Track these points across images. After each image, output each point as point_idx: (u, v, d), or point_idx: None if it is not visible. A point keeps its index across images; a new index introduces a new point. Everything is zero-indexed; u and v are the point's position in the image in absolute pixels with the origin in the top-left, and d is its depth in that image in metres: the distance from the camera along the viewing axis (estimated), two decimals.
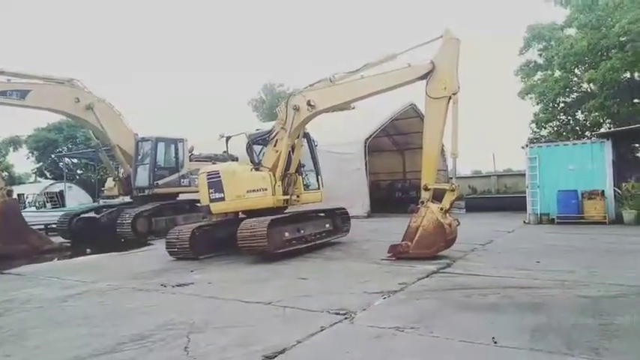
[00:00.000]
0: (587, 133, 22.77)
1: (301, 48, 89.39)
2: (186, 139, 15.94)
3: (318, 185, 11.32)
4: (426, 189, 8.48)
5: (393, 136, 23.82)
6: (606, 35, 19.63)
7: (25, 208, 24.33)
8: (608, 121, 22.72)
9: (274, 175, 9.91)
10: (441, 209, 8.26)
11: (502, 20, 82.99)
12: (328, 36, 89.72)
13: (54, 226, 15.80)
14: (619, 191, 13.76)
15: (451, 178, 9.25)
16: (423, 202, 8.44)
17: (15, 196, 13.56)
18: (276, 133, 10.21)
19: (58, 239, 14.10)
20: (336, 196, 13.83)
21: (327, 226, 11.18)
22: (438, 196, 8.53)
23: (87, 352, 4.31)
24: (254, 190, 9.80)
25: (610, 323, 4.56)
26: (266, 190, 9.77)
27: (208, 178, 10.21)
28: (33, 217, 17.59)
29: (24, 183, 41.27)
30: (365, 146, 18.62)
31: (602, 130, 21.39)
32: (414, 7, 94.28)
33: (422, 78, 8.70)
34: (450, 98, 8.37)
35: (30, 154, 44.21)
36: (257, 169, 10.05)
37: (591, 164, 14.21)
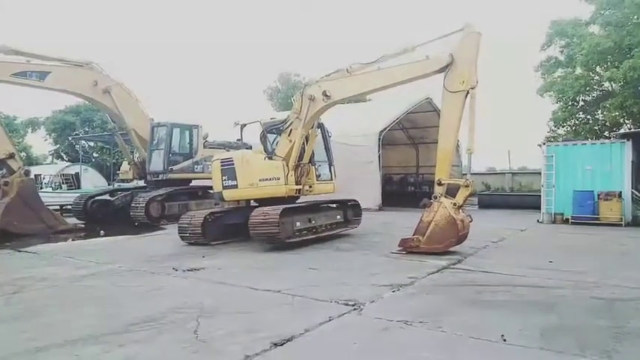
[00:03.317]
0: (607, 133, 22.31)
1: (318, 38, 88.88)
2: (201, 125, 16.04)
3: (331, 176, 11.31)
4: (440, 184, 8.40)
5: (408, 129, 23.61)
6: (631, 33, 19.11)
7: (41, 188, 24.74)
8: (628, 121, 22.22)
9: (287, 165, 9.92)
10: (454, 205, 8.19)
11: (524, 15, 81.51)
12: (346, 27, 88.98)
13: (69, 207, 16.08)
14: (637, 193, 13.50)
15: (465, 174, 9.15)
16: (436, 197, 8.37)
17: (32, 176, 13.79)
18: (291, 123, 10.19)
19: (72, 220, 14.35)
20: (348, 188, 13.79)
21: (339, 217, 11.18)
22: (451, 191, 8.46)
23: (99, 331, 4.40)
24: (267, 179, 9.84)
25: (623, 326, 4.49)
26: (279, 179, 9.80)
27: (222, 165, 10.27)
28: (49, 197, 17.93)
29: (41, 164, 41.91)
30: (379, 139, 18.51)
31: (622, 130, 20.92)
32: (436, 2, 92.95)
33: (440, 71, 8.58)
34: (467, 93, 8.25)
35: (47, 136, 44.86)
36: (270, 158, 10.07)
37: (610, 165, 13.93)
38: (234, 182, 10.04)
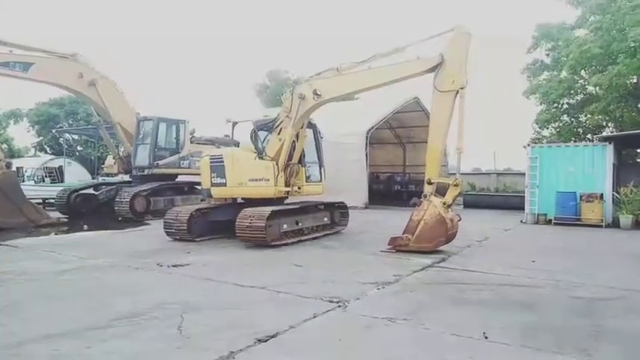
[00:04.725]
0: (589, 136, 22.70)
1: (308, 32, 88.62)
2: (188, 120, 15.91)
3: (320, 177, 11.16)
4: (430, 183, 8.40)
5: (395, 128, 23.73)
6: (615, 38, 19.41)
7: (23, 181, 24.31)
8: (610, 124, 22.65)
9: (277, 165, 9.82)
10: (444, 204, 8.23)
11: (511, 18, 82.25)
12: (337, 26, 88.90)
13: (52, 200, 15.84)
14: (617, 195, 13.77)
15: (454, 173, 9.21)
16: (425, 196, 8.39)
17: (14, 168, 13.55)
18: (281, 122, 10.12)
19: (55, 214, 14.14)
20: (335, 186, 13.78)
21: (326, 219, 11.07)
22: (440, 190, 8.50)
23: (81, 326, 4.34)
24: (256, 179, 9.74)
25: (601, 325, 4.59)
26: (268, 180, 9.69)
27: (211, 162, 10.18)
28: (31, 190, 17.62)
29: (23, 157, 41.14)
30: (366, 137, 18.57)
31: (605, 133, 21.31)
32: (425, 1, 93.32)
33: (430, 71, 8.63)
34: (457, 92, 8.31)
35: (30, 128, 44.08)
36: (261, 158, 9.96)
37: (592, 167, 14.21)
38: (222, 180, 9.96)
